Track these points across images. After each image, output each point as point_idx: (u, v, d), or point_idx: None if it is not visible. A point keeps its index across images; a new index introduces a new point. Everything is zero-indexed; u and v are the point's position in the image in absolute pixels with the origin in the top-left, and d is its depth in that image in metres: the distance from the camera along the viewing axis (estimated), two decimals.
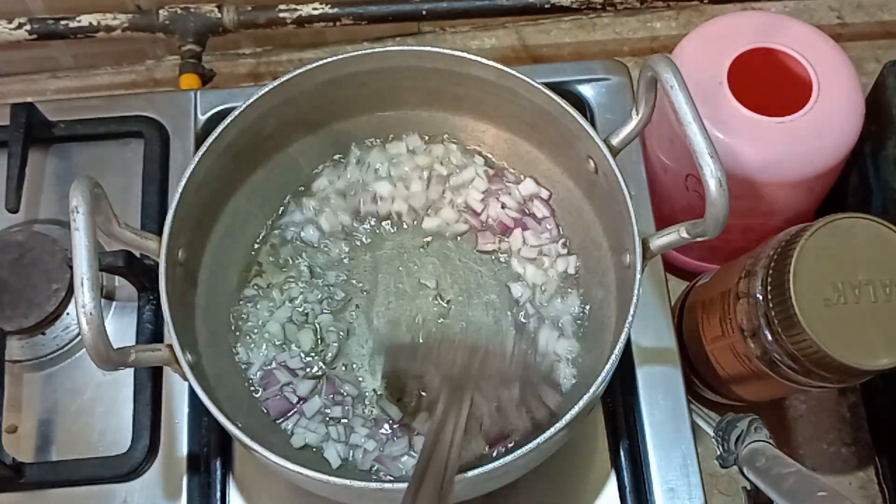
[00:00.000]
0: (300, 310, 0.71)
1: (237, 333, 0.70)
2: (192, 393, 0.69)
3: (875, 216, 0.68)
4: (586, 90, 0.81)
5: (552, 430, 0.56)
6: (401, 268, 0.73)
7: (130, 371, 0.71)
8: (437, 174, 0.74)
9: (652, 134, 0.84)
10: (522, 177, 0.74)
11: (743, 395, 0.82)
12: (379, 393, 0.69)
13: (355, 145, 0.75)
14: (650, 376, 0.71)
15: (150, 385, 0.71)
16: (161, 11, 0.91)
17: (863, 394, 0.89)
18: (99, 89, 1.01)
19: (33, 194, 0.79)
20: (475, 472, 0.56)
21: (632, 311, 0.60)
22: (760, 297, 0.69)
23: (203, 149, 0.64)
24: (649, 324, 0.73)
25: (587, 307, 0.70)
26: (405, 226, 0.74)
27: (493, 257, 0.73)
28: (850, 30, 1.04)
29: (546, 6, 0.92)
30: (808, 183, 0.79)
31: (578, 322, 0.70)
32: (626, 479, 0.70)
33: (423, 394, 0.65)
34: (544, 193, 0.73)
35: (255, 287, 0.72)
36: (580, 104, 0.81)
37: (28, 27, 0.90)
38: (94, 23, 0.91)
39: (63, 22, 0.91)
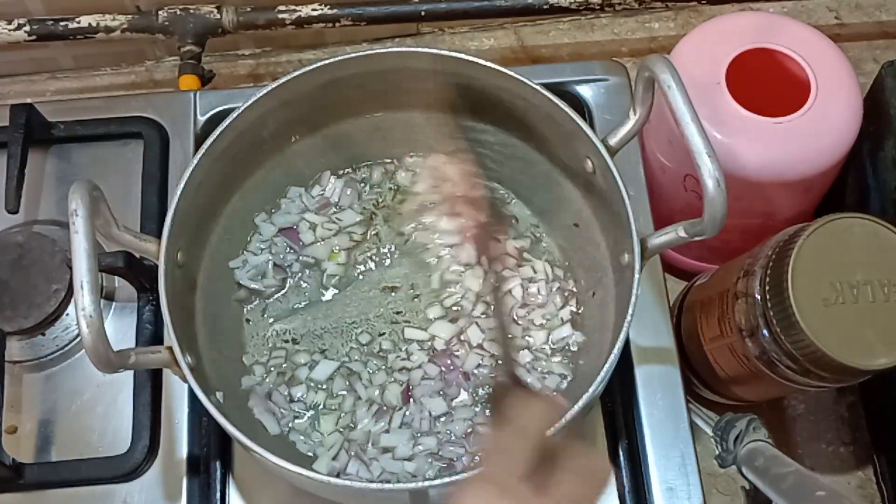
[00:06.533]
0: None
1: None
2: (191, 393, 0.69)
3: (873, 216, 0.68)
4: (585, 91, 0.81)
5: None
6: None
7: (130, 371, 0.72)
8: None
9: (650, 134, 0.85)
10: None
11: (741, 394, 0.82)
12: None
13: None
14: (649, 376, 0.72)
15: (150, 385, 0.71)
16: (160, 12, 0.91)
17: (861, 393, 0.89)
18: (98, 90, 1.01)
19: (33, 195, 0.79)
20: (475, 472, 0.56)
21: (630, 311, 0.60)
22: (759, 297, 0.69)
23: (202, 150, 0.64)
24: (648, 323, 0.73)
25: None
26: None
27: None
28: (849, 30, 1.04)
29: (545, 7, 0.92)
30: (807, 183, 0.79)
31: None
32: (624, 479, 0.70)
33: None
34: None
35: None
36: (579, 105, 0.81)
37: (27, 28, 0.90)
38: (94, 24, 0.91)
39: (62, 23, 0.90)
